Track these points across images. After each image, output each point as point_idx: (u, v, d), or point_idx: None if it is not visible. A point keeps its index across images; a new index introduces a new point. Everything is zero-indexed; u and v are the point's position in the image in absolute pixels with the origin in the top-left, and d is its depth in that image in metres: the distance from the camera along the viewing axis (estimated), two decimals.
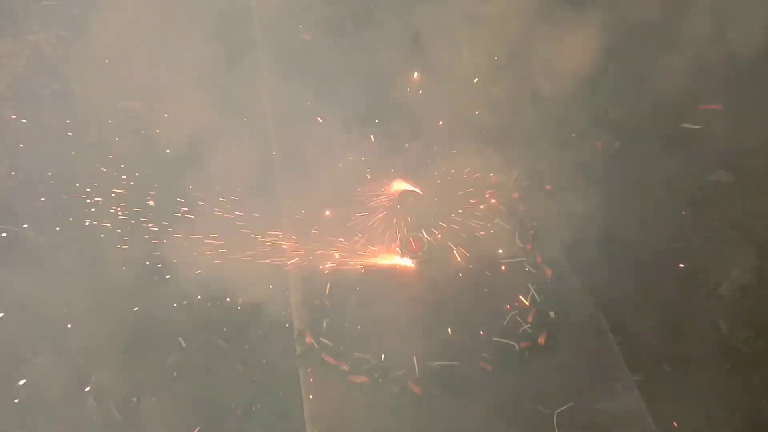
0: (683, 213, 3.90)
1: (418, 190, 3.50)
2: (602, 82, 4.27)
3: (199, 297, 3.75)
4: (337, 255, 3.57)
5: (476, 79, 4.20)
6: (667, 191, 3.93)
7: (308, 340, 2.22)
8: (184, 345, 3.61)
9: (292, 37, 4.66)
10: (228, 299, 3.74)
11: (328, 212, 3.35)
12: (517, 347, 2.72)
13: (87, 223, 4.07)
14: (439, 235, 3.30)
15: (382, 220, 3.52)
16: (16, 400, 3.51)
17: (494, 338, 2.85)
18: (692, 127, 4.07)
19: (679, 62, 4.20)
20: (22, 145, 4.45)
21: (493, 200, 3.60)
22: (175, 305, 3.75)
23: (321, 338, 2.22)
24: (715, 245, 3.72)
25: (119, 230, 3.99)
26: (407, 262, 2.98)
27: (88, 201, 4.14)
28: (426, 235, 2.42)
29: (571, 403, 2.31)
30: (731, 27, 4.33)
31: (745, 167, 3.98)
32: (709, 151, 4.05)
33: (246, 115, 4.27)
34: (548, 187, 3.81)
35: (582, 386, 2.26)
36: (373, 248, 3.29)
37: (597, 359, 2.37)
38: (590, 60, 4.11)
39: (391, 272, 3.38)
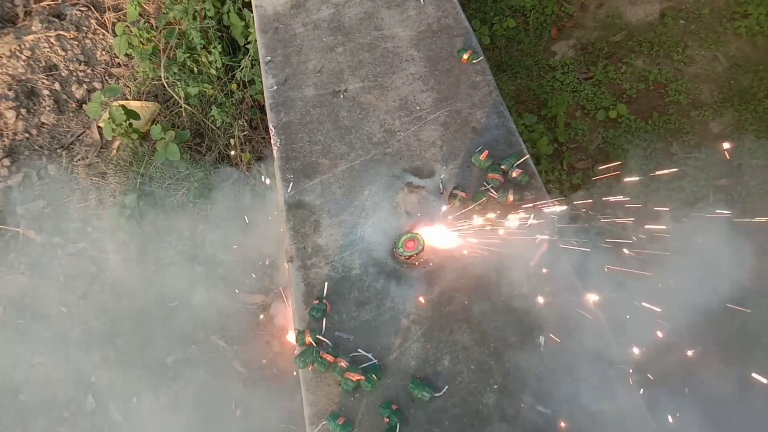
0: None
1: None
2: None
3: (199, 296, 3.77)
4: None
5: None
6: (667, 191, 3.94)
7: (308, 340, 2.22)
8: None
9: None
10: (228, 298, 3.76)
11: None
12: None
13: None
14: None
15: None
16: (16, 401, 3.52)
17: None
18: None
19: None
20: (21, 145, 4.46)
21: None
22: (175, 304, 3.76)
23: (320, 337, 2.22)
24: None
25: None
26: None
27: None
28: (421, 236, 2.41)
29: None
30: None
31: (744, 167, 3.99)
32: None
33: None
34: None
35: (581, 385, 2.27)
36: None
37: (597, 358, 2.37)
38: None
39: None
